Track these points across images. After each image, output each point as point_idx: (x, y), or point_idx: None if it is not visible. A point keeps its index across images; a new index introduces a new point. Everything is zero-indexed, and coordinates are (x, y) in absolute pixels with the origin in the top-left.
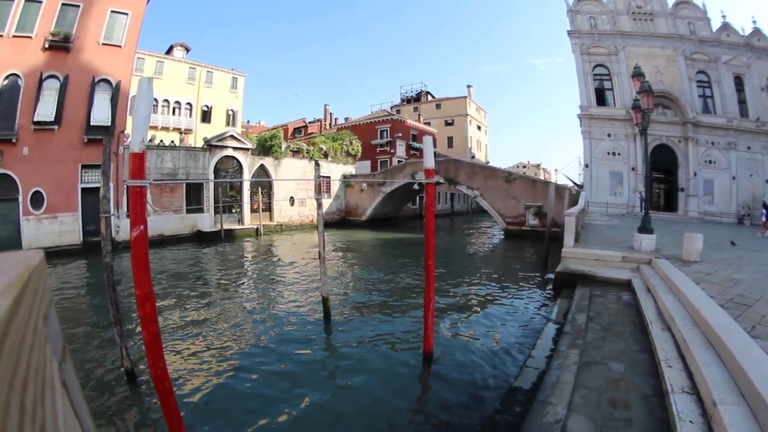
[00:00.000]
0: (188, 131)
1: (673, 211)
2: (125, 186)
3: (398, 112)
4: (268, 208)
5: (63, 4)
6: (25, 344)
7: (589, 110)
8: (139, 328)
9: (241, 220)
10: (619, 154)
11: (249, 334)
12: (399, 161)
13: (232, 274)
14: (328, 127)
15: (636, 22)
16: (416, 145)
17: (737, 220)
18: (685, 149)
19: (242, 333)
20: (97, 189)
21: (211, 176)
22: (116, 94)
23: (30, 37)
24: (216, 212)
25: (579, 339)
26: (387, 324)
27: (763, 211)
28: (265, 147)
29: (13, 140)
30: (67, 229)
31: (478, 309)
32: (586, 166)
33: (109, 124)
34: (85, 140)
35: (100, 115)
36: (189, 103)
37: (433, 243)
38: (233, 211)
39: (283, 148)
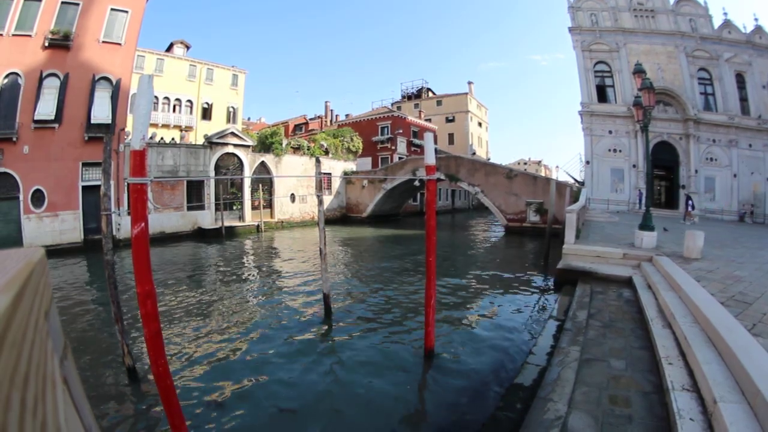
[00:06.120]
0: (189, 128)
1: (674, 209)
2: (126, 183)
3: (399, 108)
4: (269, 205)
5: (62, 3)
6: (26, 340)
7: (590, 107)
8: (140, 326)
9: (242, 217)
10: (620, 150)
11: (250, 331)
12: (400, 158)
13: (234, 271)
14: (328, 123)
15: (637, 19)
16: (417, 141)
17: (738, 218)
18: (687, 146)
19: (243, 330)
20: (97, 187)
21: (212, 173)
22: (116, 91)
23: (30, 36)
24: (217, 209)
25: (580, 336)
26: (388, 320)
27: (689, 202)
28: (266, 144)
29: (14, 139)
30: (68, 227)
31: (479, 305)
32: (587, 162)
33: (110, 121)
34: (86, 138)
35: (101, 113)
36: (189, 101)
37: (434, 239)
38: (234, 208)
39: (283, 145)
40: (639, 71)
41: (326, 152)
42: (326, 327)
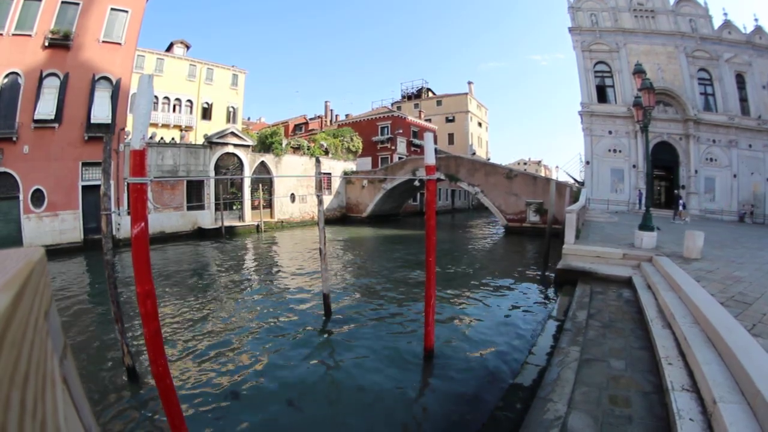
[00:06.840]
0: (189, 128)
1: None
2: (126, 183)
3: (399, 108)
4: (269, 205)
5: (62, 2)
6: (26, 340)
7: (590, 107)
8: (140, 325)
9: (241, 217)
10: (620, 151)
11: (250, 331)
12: (400, 158)
13: (233, 271)
14: (328, 123)
15: (637, 20)
16: (417, 141)
17: (738, 218)
18: (687, 147)
19: (243, 330)
20: (97, 186)
21: (212, 173)
22: (116, 91)
23: (30, 36)
24: (217, 209)
25: (580, 336)
26: (388, 320)
27: (680, 201)
28: (266, 144)
29: (14, 138)
30: (68, 226)
31: (479, 306)
32: (587, 163)
33: (110, 121)
34: (86, 138)
35: (101, 112)
36: (189, 100)
37: (433, 239)
38: (234, 208)
39: (283, 145)
40: (639, 71)
41: (326, 152)
42: (326, 327)
